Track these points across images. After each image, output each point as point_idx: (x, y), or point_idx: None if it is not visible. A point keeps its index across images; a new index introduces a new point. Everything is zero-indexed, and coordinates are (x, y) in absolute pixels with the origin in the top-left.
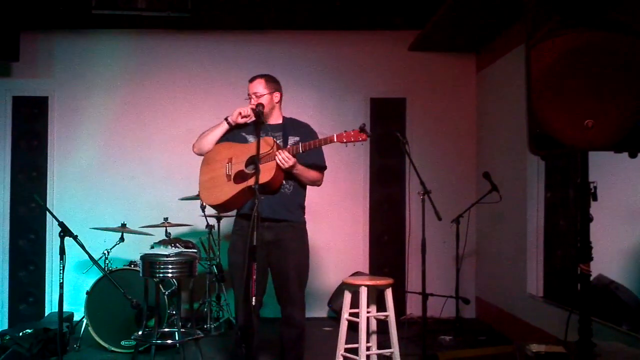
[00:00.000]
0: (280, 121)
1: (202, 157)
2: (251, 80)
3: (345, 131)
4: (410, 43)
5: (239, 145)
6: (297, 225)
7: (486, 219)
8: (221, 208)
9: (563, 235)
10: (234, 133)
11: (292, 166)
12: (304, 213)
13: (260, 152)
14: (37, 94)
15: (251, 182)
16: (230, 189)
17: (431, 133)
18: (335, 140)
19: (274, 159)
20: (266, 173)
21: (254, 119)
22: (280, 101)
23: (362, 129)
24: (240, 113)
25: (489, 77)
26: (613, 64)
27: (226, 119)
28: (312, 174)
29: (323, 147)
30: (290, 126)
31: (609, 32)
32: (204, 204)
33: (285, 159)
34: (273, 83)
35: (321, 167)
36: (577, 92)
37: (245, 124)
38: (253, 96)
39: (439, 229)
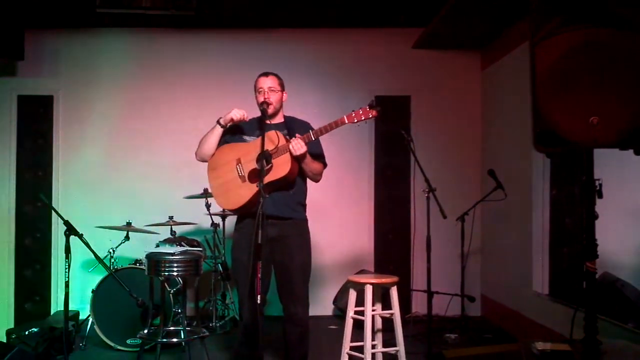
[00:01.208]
0: (282, 120)
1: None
2: (265, 74)
3: (354, 111)
4: (415, 41)
5: (243, 144)
6: (300, 223)
7: (491, 217)
8: (242, 210)
9: (568, 233)
10: (233, 136)
11: (304, 153)
12: (305, 211)
13: (268, 148)
14: (42, 92)
15: (270, 177)
16: (248, 190)
17: (436, 131)
18: (346, 121)
19: (286, 152)
20: (282, 166)
21: (245, 120)
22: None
23: (371, 106)
24: (232, 118)
25: (494, 74)
26: (618, 60)
27: (218, 121)
28: (317, 165)
29: (325, 146)
30: (292, 125)
31: (613, 29)
32: (223, 209)
33: (298, 144)
34: (283, 82)
35: (321, 157)
36: (582, 89)
37: (245, 125)
38: (267, 90)
39: (444, 227)
